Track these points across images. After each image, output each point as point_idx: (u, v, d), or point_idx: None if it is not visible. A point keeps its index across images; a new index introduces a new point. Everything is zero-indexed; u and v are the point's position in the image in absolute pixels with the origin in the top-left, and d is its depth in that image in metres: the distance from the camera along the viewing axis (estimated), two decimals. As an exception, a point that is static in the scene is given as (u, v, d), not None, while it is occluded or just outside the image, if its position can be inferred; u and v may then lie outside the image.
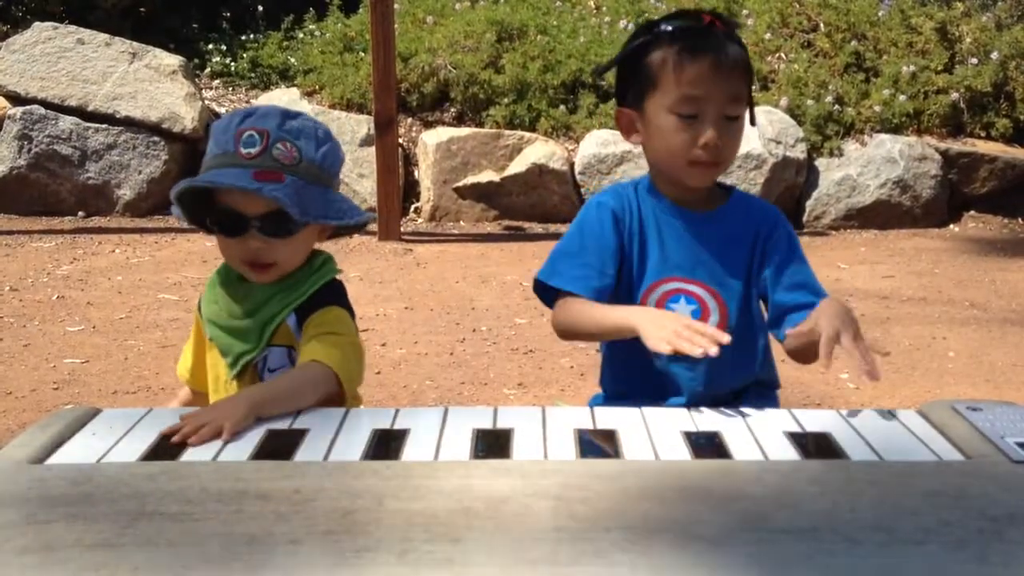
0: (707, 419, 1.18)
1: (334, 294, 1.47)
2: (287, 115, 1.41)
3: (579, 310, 1.42)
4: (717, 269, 1.44)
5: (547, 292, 1.49)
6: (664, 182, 1.47)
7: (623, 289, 1.45)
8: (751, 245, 1.46)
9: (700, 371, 1.43)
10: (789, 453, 1.06)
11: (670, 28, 1.40)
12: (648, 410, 1.21)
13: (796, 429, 1.14)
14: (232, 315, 1.46)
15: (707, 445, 1.09)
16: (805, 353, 1.35)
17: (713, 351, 1.20)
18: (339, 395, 1.35)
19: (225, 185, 1.35)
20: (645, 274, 1.45)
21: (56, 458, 1.05)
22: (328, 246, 1.56)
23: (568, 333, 1.45)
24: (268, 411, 1.19)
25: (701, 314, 1.42)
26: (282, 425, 1.16)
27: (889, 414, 1.19)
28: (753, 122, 1.45)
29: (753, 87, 1.47)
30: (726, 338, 1.22)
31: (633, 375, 1.48)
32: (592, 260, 1.44)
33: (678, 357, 1.40)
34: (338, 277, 1.51)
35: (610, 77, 6.21)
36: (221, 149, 1.38)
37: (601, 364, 1.59)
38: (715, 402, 1.29)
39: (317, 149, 1.41)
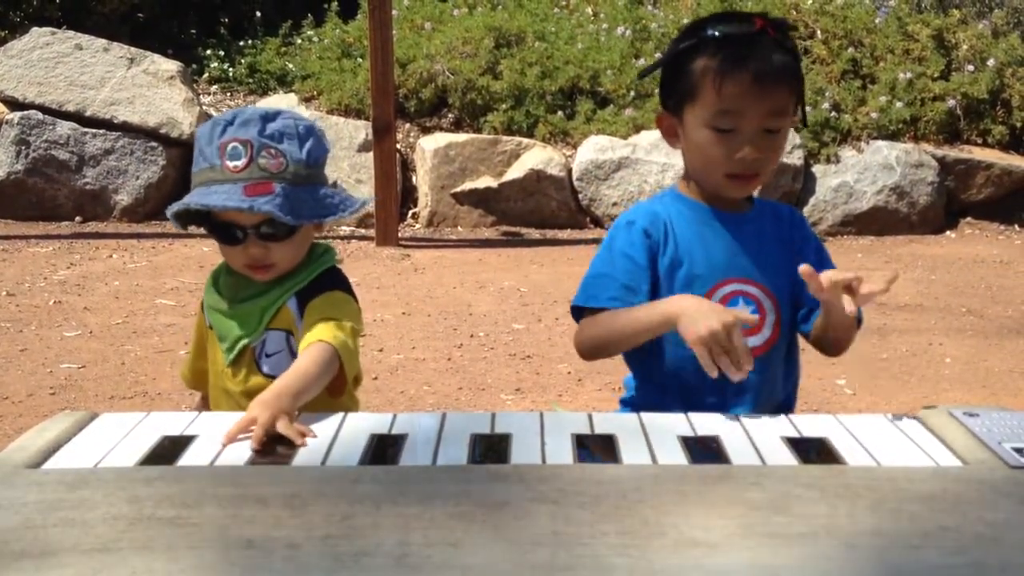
0: (705, 424, 1.18)
1: (335, 279, 1.50)
2: (266, 118, 1.41)
3: (609, 317, 1.39)
4: (765, 268, 1.43)
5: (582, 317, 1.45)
6: (697, 187, 1.45)
7: None
8: (791, 247, 1.45)
9: (763, 375, 1.41)
10: (787, 458, 1.06)
11: (716, 34, 1.35)
12: (646, 415, 1.21)
13: (794, 434, 1.14)
14: (233, 300, 1.48)
15: (705, 450, 1.09)
16: (827, 333, 1.34)
17: (736, 377, 1.20)
18: (339, 379, 1.38)
19: (218, 207, 1.37)
20: (696, 281, 1.42)
21: (53, 462, 1.04)
22: None
23: (596, 346, 1.41)
24: (306, 398, 1.23)
25: (759, 314, 1.40)
26: (279, 431, 1.15)
27: (886, 420, 1.19)
28: (804, 123, 1.44)
29: (805, 87, 1.43)
30: (749, 366, 1.21)
31: (682, 376, 1.43)
32: (625, 279, 1.42)
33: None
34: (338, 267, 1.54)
35: (607, 83, 6.19)
36: (208, 163, 1.40)
37: (634, 366, 1.54)
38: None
39: (301, 148, 1.41)
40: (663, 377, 1.45)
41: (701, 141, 1.37)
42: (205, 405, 1.62)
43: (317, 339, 1.36)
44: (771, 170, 1.42)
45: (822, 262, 1.44)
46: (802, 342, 1.50)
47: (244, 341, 1.46)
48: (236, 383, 1.47)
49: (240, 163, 1.38)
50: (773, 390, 1.44)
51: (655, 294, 1.44)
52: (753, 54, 1.33)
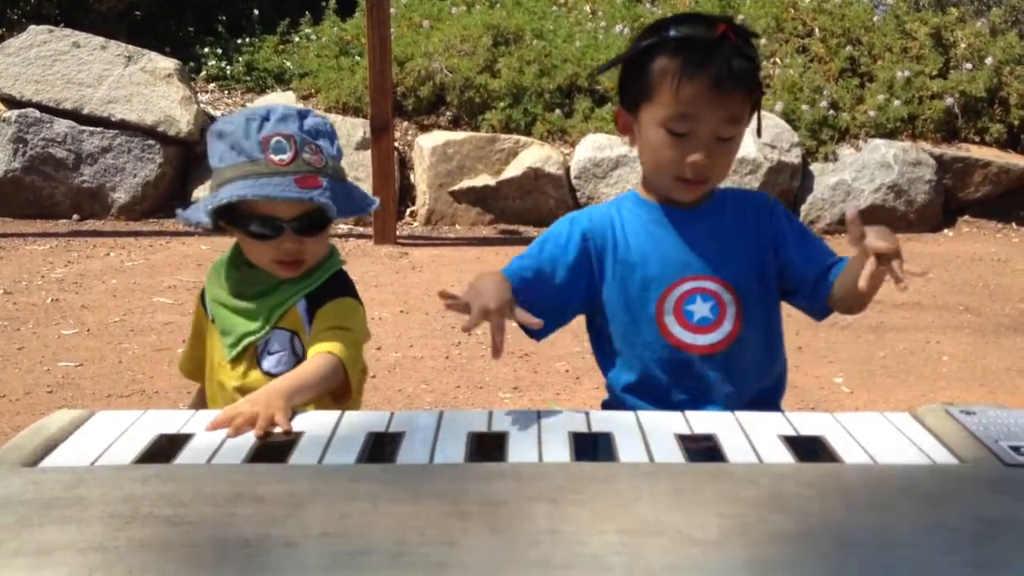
0: (702, 422, 1.18)
1: (344, 285, 1.52)
2: (301, 115, 1.45)
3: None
4: (725, 261, 1.42)
5: None
6: (652, 186, 1.46)
7: (635, 304, 1.43)
8: (756, 236, 1.44)
9: (730, 369, 1.42)
10: (783, 456, 1.06)
11: (677, 35, 1.34)
12: (643, 413, 1.21)
13: (790, 432, 1.14)
14: (239, 296, 1.49)
15: (702, 448, 1.09)
16: (855, 285, 1.29)
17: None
18: (343, 387, 1.40)
19: (280, 198, 1.38)
20: (652, 283, 1.42)
21: (50, 461, 1.04)
22: None
23: None
24: (298, 400, 1.24)
25: (719, 309, 1.41)
26: (276, 428, 1.16)
27: (883, 418, 1.19)
28: (759, 133, 1.42)
29: (763, 96, 1.43)
30: (495, 356, 1.19)
31: (650, 377, 1.44)
32: (544, 266, 1.43)
33: (705, 355, 1.41)
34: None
35: (606, 81, 6.20)
36: (248, 157, 1.39)
37: (605, 370, 1.54)
38: (749, 406, 1.29)
39: (332, 145, 1.46)
40: (633, 377, 1.46)
41: (654, 142, 1.37)
42: (203, 397, 1.62)
43: (325, 350, 1.38)
44: (722, 176, 1.41)
45: (806, 242, 1.43)
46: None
47: (250, 338, 1.47)
48: (233, 377, 1.47)
49: (286, 157, 1.39)
50: (746, 384, 1.44)
51: (593, 298, 1.45)
52: (713, 59, 1.31)
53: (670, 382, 1.43)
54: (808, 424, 1.16)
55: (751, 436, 1.12)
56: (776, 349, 1.50)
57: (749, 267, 1.43)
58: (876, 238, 1.23)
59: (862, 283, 1.23)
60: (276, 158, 1.39)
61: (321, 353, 1.38)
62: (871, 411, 1.23)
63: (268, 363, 1.47)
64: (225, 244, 1.56)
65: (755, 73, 1.37)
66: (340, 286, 1.50)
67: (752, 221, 1.45)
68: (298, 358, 1.46)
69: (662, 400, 1.42)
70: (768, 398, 1.49)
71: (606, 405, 1.53)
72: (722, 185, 1.46)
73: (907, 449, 1.08)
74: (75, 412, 1.19)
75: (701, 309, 1.41)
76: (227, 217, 1.44)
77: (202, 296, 1.57)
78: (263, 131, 1.40)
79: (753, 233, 1.44)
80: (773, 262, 1.44)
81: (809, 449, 1.08)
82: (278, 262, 1.45)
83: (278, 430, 1.14)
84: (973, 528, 0.86)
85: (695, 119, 1.33)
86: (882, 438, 1.11)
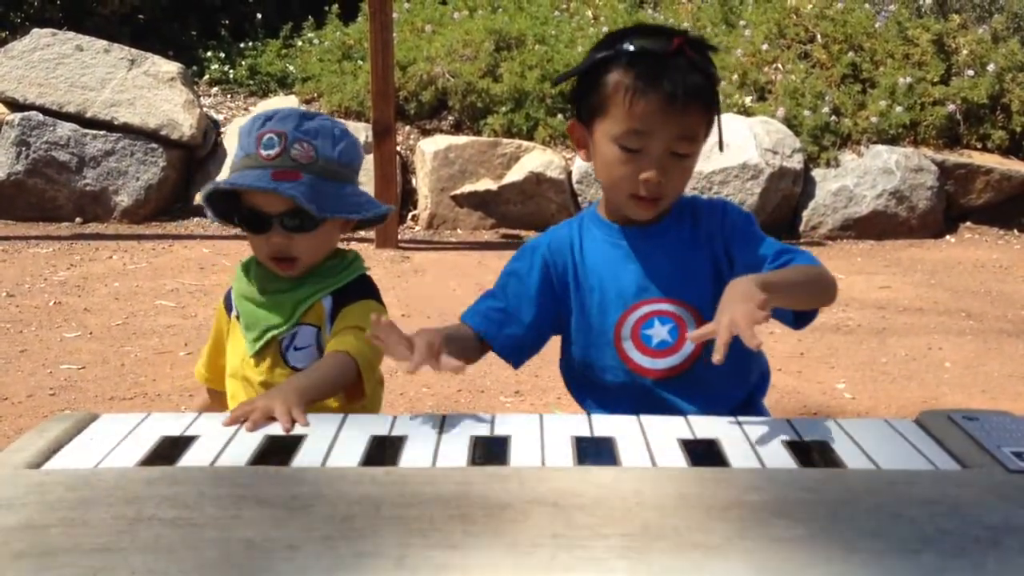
0: (704, 427, 1.18)
1: (370, 288, 1.55)
2: (305, 117, 1.48)
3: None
4: (682, 279, 1.38)
5: None
6: (611, 203, 1.43)
7: (594, 327, 1.41)
8: (709, 245, 1.39)
9: (693, 390, 1.40)
10: (786, 461, 1.06)
11: (632, 48, 1.31)
12: (646, 418, 1.21)
13: (793, 438, 1.14)
14: (265, 291, 1.51)
15: (704, 453, 1.09)
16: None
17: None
18: (357, 387, 1.42)
19: (244, 186, 1.42)
20: (609, 308, 1.40)
21: (54, 463, 1.05)
22: None
23: None
24: (312, 397, 1.26)
25: (678, 331, 1.38)
26: (280, 431, 1.16)
27: (886, 423, 1.19)
28: (721, 148, 1.39)
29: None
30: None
31: (613, 399, 1.43)
32: (506, 303, 1.44)
33: (664, 379, 1.39)
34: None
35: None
36: (244, 152, 1.46)
37: (572, 390, 1.54)
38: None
39: (334, 147, 1.47)
40: (595, 398, 1.47)
41: (608, 157, 1.34)
42: (214, 400, 1.64)
43: (341, 348, 1.40)
44: (677, 194, 1.38)
45: (750, 244, 1.36)
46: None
47: (273, 332, 1.49)
48: (258, 372, 1.49)
49: (273, 152, 1.43)
50: (715, 401, 1.39)
51: (562, 322, 1.45)
52: (666, 74, 1.28)
53: (630, 406, 1.39)
54: (811, 429, 1.16)
55: (754, 441, 1.12)
56: (747, 361, 1.44)
57: (707, 283, 1.38)
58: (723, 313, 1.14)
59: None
60: (265, 153, 1.43)
61: (336, 351, 1.40)
62: (873, 417, 1.23)
63: (294, 358, 1.50)
64: (227, 248, 1.57)
65: (711, 89, 1.34)
66: (366, 289, 1.54)
67: (705, 232, 1.40)
68: (322, 353, 1.48)
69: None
70: (747, 406, 1.46)
71: None
72: (691, 192, 1.43)
73: (910, 455, 1.08)
74: (79, 414, 1.19)
75: (660, 333, 1.39)
76: (229, 212, 1.50)
77: (226, 300, 1.58)
78: (262, 128, 1.45)
79: (707, 245, 1.39)
80: (728, 270, 1.38)
81: (812, 454, 1.08)
82: (273, 259, 1.48)
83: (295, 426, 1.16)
84: (976, 534, 0.86)
85: (648, 136, 1.30)
86: (885, 444, 1.11)
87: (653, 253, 1.40)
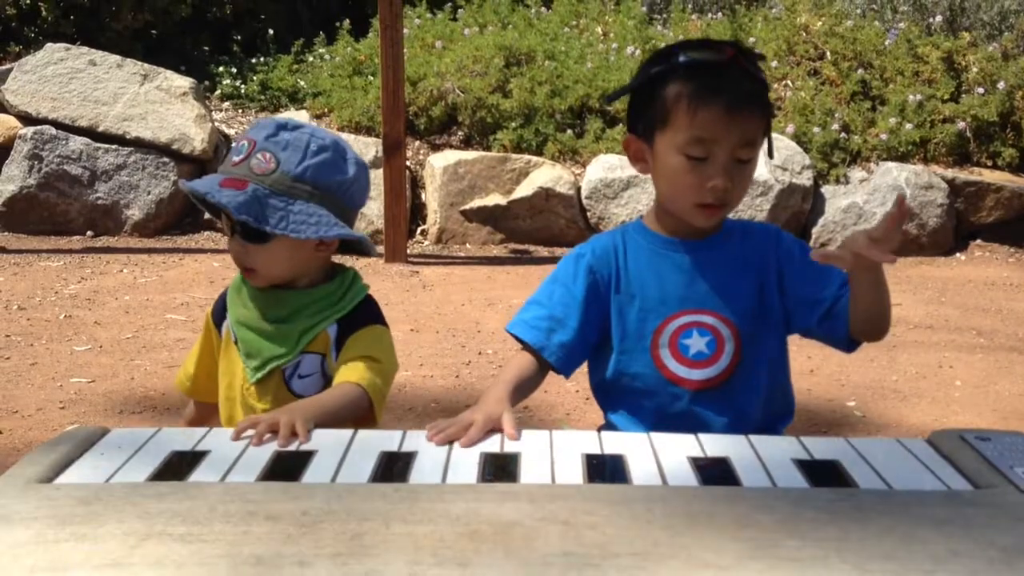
0: (715, 445, 1.17)
1: (374, 312, 1.52)
2: (282, 127, 1.43)
3: (504, 369, 1.44)
4: (725, 296, 1.40)
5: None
6: (664, 214, 1.44)
7: (632, 335, 1.43)
8: (759, 269, 1.42)
9: (723, 405, 1.40)
10: (798, 481, 1.05)
11: (688, 60, 1.35)
12: (656, 435, 1.20)
13: (804, 456, 1.13)
14: (266, 319, 1.48)
15: (715, 471, 1.09)
16: (866, 311, 1.32)
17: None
18: (368, 418, 1.39)
19: (185, 188, 1.42)
20: (649, 315, 1.42)
21: (65, 477, 1.05)
22: None
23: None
24: (321, 422, 1.24)
25: (716, 344, 1.40)
26: (290, 447, 1.16)
27: (898, 443, 1.18)
28: (771, 155, 1.42)
29: (775, 119, 1.44)
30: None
31: (642, 409, 1.44)
32: (554, 310, 1.44)
33: (697, 390, 1.40)
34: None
35: (617, 103, 6.21)
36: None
37: (598, 397, 1.54)
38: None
39: (301, 162, 1.41)
40: (622, 407, 1.47)
41: (673, 167, 1.36)
42: (202, 412, 1.62)
43: (353, 379, 1.37)
44: (740, 200, 1.40)
45: (811, 269, 1.39)
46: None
47: (276, 362, 1.46)
48: (263, 402, 1.47)
49: (239, 158, 1.42)
50: (744, 419, 1.41)
51: (605, 330, 1.44)
52: (724, 83, 1.32)
53: (659, 417, 1.42)
54: (822, 449, 1.16)
55: (765, 460, 1.12)
56: (780, 386, 1.47)
57: (750, 302, 1.41)
58: (850, 245, 1.23)
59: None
60: (234, 158, 1.42)
61: (348, 382, 1.37)
62: (884, 436, 1.22)
63: (299, 386, 1.47)
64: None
65: (766, 95, 1.38)
66: (371, 314, 1.51)
67: (757, 254, 1.43)
68: (328, 380, 1.46)
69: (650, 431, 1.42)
70: (769, 431, 1.47)
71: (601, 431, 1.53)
72: (732, 215, 1.45)
73: (922, 475, 1.08)
74: (90, 429, 1.19)
75: (697, 343, 1.40)
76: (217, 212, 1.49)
77: (213, 315, 1.56)
78: (248, 134, 1.44)
79: (757, 266, 1.42)
80: (778, 296, 1.41)
81: (824, 474, 1.08)
82: (238, 266, 1.47)
83: (297, 443, 1.15)
84: (989, 555, 0.85)
85: (712, 143, 1.33)
86: (897, 464, 1.11)
87: (699, 265, 1.42)
